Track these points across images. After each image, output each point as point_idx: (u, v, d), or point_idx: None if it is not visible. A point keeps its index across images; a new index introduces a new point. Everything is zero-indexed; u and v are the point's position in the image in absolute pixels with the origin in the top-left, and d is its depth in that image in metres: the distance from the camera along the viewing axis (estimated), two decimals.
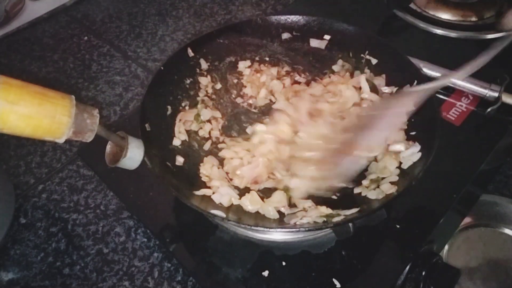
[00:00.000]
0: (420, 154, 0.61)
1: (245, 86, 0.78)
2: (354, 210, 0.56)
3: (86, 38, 1.05)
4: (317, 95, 0.72)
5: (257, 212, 0.60)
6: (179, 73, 0.75)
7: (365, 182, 0.61)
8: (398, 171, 0.61)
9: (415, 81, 0.69)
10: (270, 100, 0.76)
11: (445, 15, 0.95)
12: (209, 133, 0.72)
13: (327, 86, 0.74)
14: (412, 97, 0.59)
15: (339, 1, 1.03)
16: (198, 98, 0.76)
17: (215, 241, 0.64)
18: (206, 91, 0.77)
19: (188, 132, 0.71)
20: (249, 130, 0.72)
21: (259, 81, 0.78)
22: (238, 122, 0.74)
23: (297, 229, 0.57)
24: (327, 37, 0.79)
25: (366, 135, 0.60)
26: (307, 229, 0.56)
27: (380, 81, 0.74)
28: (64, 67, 0.98)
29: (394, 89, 0.72)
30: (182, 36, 1.04)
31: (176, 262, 0.64)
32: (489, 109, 0.76)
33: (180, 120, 0.72)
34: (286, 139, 0.67)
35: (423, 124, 0.64)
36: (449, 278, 0.62)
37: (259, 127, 0.70)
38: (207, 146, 0.70)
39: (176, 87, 0.74)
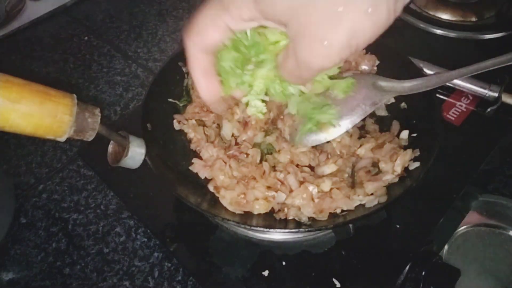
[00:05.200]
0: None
1: None
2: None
3: (86, 38, 1.05)
4: None
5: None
6: (180, 73, 0.75)
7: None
8: (399, 171, 0.61)
9: None
10: None
11: (445, 15, 0.95)
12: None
13: None
14: (398, 92, 0.54)
15: None
16: None
17: (215, 241, 0.64)
18: None
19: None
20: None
21: None
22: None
23: (297, 229, 0.57)
24: None
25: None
26: (307, 229, 0.56)
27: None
28: (65, 67, 0.98)
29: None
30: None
31: (176, 262, 0.65)
32: (489, 109, 0.76)
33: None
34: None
35: (424, 127, 0.64)
36: (449, 278, 0.62)
37: None
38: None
39: (178, 87, 0.74)
